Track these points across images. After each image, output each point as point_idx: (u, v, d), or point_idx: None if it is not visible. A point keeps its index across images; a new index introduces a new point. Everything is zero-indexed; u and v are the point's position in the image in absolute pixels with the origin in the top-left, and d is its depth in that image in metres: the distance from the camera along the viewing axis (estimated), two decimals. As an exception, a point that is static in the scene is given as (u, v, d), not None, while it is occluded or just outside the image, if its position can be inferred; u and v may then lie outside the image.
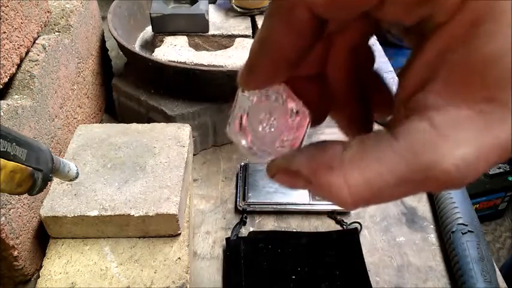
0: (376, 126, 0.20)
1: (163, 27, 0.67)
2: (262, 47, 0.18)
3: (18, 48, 0.44)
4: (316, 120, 0.21)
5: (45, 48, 0.48)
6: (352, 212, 0.55)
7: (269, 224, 0.54)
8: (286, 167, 0.18)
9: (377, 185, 0.15)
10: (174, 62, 0.60)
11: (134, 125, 0.51)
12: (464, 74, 0.14)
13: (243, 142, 0.20)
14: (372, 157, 0.15)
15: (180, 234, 0.43)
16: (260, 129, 0.20)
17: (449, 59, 0.15)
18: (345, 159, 0.16)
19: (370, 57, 0.21)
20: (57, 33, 0.52)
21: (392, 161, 0.15)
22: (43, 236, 0.44)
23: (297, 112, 0.20)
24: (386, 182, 0.15)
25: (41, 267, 0.41)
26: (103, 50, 0.68)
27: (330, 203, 0.53)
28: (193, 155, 0.59)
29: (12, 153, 0.27)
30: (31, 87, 0.44)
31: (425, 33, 0.15)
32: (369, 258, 0.50)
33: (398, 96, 0.17)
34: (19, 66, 0.45)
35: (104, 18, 0.67)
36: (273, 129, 0.20)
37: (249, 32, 0.70)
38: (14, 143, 0.27)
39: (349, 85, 0.20)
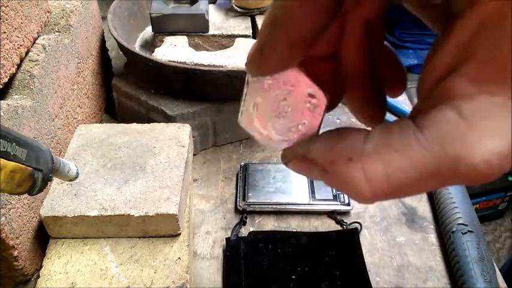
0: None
1: (163, 27, 0.67)
2: (277, 27, 0.16)
3: (18, 48, 0.44)
4: (330, 105, 0.20)
5: (45, 48, 0.48)
6: (352, 212, 0.55)
7: (269, 224, 0.54)
8: (303, 154, 0.17)
9: (399, 180, 0.14)
10: (174, 62, 0.60)
11: (134, 125, 0.51)
12: (504, 54, 0.13)
13: (258, 131, 0.20)
14: (395, 149, 0.14)
15: (180, 234, 0.43)
16: (275, 116, 0.19)
17: (486, 38, 0.13)
18: (366, 151, 0.15)
19: (382, 31, 0.20)
20: (57, 33, 0.52)
21: (417, 154, 0.14)
22: (43, 236, 0.44)
23: (313, 96, 0.19)
24: (409, 176, 0.14)
25: (41, 267, 0.41)
26: (103, 50, 0.68)
27: (330, 203, 0.54)
28: (193, 155, 0.59)
29: (12, 153, 0.27)
30: (31, 87, 0.44)
31: (456, 11, 0.14)
32: (369, 258, 0.50)
33: (423, 83, 0.16)
34: (19, 66, 0.45)
35: (104, 18, 0.67)
36: (288, 116, 0.19)
37: (249, 32, 0.70)
38: (14, 143, 0.27)
39: (363, 63, 0.19)
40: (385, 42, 0.20)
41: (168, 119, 0.57)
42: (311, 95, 0.19)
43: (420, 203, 0.57)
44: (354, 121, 0.68)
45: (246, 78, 0.19)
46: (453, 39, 0.14)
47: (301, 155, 0.17)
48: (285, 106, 0.19)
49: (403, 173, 0.14)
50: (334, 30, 0.19)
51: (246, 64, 0.18)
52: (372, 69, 0.20)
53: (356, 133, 0.16)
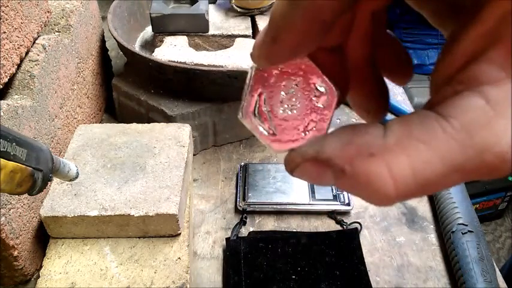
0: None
1: (163, 27, 0.67)
2: (295, 8, 0.15)
3: (18, 48, 0.44)
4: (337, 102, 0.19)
5: (45, 48, 0.48)
6: (352, 212, 0.55)
7: (269, 224, 0.54)
8: (315, 154, 0.15)
9: (425, 174, 0.13)
10: (174, 62, 0.60)
11: (134, 125, 0.51)
12: None
13: (261, 128, 0.17)
14: (420, 140, 0.13)
15: (180, 234, 0.43)
16: (281, 111, 0.17)
17: None
18: (388, 144, 0.13)
19: (385, 19, 0.19)
20: (57, 33, 0.52)
21: (444, 145, 0.13)
22: (43, 236, 0.44)
23: (322, 91, 0.17)
24: (435, 169, 0.13)
25: (41, 267, 0.41)
26: (103, 50, 0.68)
27: (330, 203, 0.54)
28: (193, 155, 0.59)
29: (12, 153, 0.27)
30: (31, 87, 0.44)
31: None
32: (369, 258, 0.50)
33: (441, 71, 0.15)
34: (19, 66, 0.45)
35: (104, 18, 0.67)
36: (295, 111, 0.17)
37: (249, 32, 0.70)
38: (14, 143, 0.27)
39: (369, 55, 0.19)
40: (387, 30, 0.20)
41: (168, 119, 0.57)
42: (320, 90, 0.17)
43: (420, 203, 0.57)
44: (354, 121, 0.68)
45: (249, 72, 0.18)
46: (478, 25, 0.13)
47: (312, 156, 0.15)
48: (291, 100, 0.18)
49: (430, 165, 0.13)
50: (345, 21, 0.18)
51: (252, 54, 0.17)
52: (375, 61, 0.19)
53: (373, 127, 0.14)
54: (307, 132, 0.17)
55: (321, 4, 0.15)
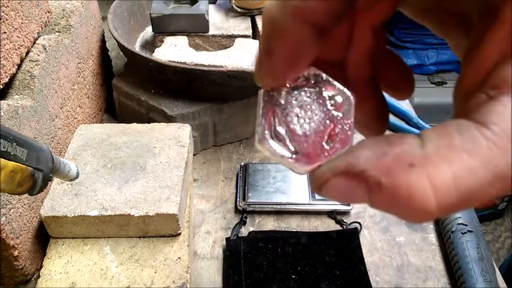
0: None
1: (163, 27, 0.67)
2: (283, 8, 0.14)
3: (19, 48, 0.44)
4: None
5: (45, 49, 0.48)
6: (352, 212, 0.55)
7: (269, 224, 0.54)
8: (347, 167, 0.14)
9: (468, 184, 0.12)
10: (174, 62, 0.60)
11: (134, 125, 0.51)
12: None
13: (282, 151, 0.16)
14: (463, 150, 0.12)
15: (180, 234, 0.43)
16: (299, 128, 0.16)
17: None
18: (429, 154, 0.13)
19: (385, 37, 0.19)
20: (57, 34, 0.52)
21: (487, 152, 0.12)
22: (43, 236, 0.44)
23: (338, 97, 0.16)
24: (479, 179, 0.12)
25: (41, 267, 0.41)
26: (103, 50, 0.68)
27: (330, 203, 0.54)
28: (193, 155, 0.59)
29: (12, 153, 0.27)
30: (31, 87, 0.44)
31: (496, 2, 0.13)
32: (369, 258, 0.50)
33: (471, 77, 0.14)
34: (19, 66, 0.45)
35: (104, 18, 0.67)
36: (313, 124, 0.16)
37: (249, 32, 0.71)
38: (15, 143, 0.27)
39: (370, 71, 0.19)
40: (388, 47, 0.20)
41: (168, 119, 0.57)
42: (335, 98, 0.16)
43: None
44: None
45: (259, 97, 0.17)
46: (500, 27, 0.13)
47: (344, 170, 0.14)
48: (308, 114, 0.17)
49: (473, 173, 0.12)
50: (344, 33, 0.18)
51: (255, 77, 0.16)
52: (375, 77, 0.19)
53: (409, 137, 0.14)
54: (331, 144, 0.16)
55: (311, 4, 0.14)
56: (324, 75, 0.17)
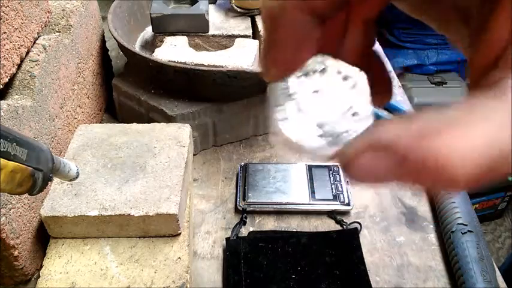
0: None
1: (163, 27, 0.67)
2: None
3: (19, 48, 0.44)
4: None
5: (45, 49, 0.48)
6: (352, 212, 0.55)
7: (269, 224, 0.54)
8: (373, 143, 0.13)
9: (494, 152, 0.12)
10: (174, 62, 0.60)
11: (134, 125, 0.51)
12: None
13: (304, 142, 0.16)
14: (486, 118, 0.12)
15: (180, 234, 0.43)
16: (315, 113, 0.16)
17: None
18: (453, 123, 0.12)
19: (374, 36, 0.19)
20: (57, 34, 0.52)
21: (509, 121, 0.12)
22: (43, 236, 0.44)
23: (346, 76, 0.16)
24: (504, 146, 0.12)
25: (41, 267, 0.41)
26: (103, 50, 0.68)
27: (330, 203, 0.54)
28: (194, 155, 0.59)
29: (12, 153, 0.27)
30: (31, 87, 0.44)
31: None
32: (369, 258, 0.50)
33: (480, 63, 0.14)
34: (19, 66, 0.45)
35: (104, 18, 0.67)
36: (329, 109, 0.16)
37: (249, 32, 0.71)
38: (15, 143, 0.27)
39: (363, 65, 0.18)
40: (374, 49, 0.19)
41: (168, 119, 0.57)
42: (346, 78, 0.16)
43: (420, 203, 0.57)
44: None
45: (268, 94, 0.17)
46: (507, 6, 0.13)
47: (369, 145, 0.13)
48: (321, 99, 0.16)
49: (503, 134, 0.12)
50: (337, 26, 0.18)
51: (261, 73, 0.16)
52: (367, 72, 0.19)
53: (430, 111, 0.13)
54: (355, 120, 0.16)
55: None
56: (330, 58, 0.17)
